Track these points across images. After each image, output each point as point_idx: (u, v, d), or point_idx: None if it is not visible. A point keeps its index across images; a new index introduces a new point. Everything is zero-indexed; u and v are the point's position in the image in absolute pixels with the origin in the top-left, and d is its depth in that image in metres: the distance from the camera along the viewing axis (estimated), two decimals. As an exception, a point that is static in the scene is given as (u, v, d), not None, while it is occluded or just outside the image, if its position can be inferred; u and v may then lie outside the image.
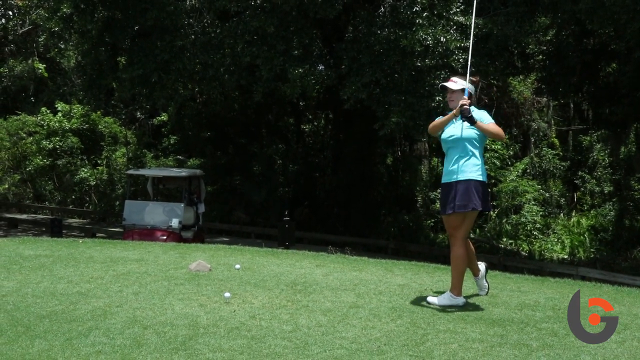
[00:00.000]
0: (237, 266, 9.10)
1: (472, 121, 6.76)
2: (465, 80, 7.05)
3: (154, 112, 38.26)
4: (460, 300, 7.03)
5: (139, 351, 5.27)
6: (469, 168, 6.90)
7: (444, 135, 7.10)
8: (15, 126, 38.51)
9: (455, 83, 7.09)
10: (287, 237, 22.31)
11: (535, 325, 6.46)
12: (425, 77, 20.44)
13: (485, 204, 7.01)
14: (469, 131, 6.92)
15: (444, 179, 7.08)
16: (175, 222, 19.66)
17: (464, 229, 7.02)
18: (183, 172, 22.01)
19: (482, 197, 6.90)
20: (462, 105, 6.77)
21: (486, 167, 25.37)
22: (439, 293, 7.54)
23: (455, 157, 6.97)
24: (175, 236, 19.22)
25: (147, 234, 19.09)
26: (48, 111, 38.27)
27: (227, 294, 7.16)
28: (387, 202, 32.13)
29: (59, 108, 38.20)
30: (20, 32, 39.85)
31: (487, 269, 7.74)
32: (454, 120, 7.01)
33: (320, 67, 24.07)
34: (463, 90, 6.96)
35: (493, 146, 29.22)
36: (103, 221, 34.62)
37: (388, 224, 30.79)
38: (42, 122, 38.12)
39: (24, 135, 38.46)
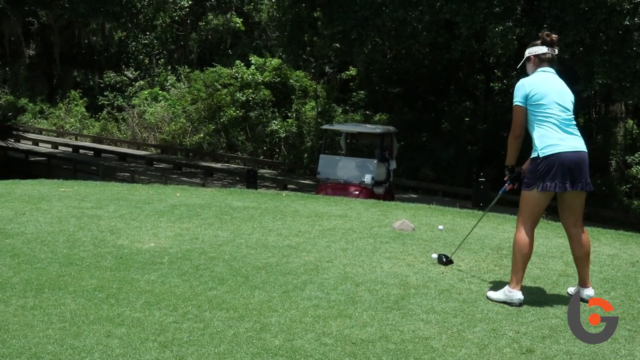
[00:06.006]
0: (440, 227, 9.09)
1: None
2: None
3: (342, 67, 38.60)
4: (515, 295, 5.79)
5: (354, 307, 5.41)
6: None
7: None
8: (211, 78, 40.06)
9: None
10: (481, 197, 21.95)
11: None
12: (634, 37, 19.39)
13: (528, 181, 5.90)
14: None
15: None
16: (368, 178, 19.78)
17: (519, 211, 5.98)
18: (377, 129, 21.85)
19: (529, 175, 5.94)
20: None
21: None
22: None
23: None
24: (368, 192, 19.22)
25: (340, 188, 19.33)
26: (242, 64, 39.46)
27: (434, 255, 7.21)
28: (578, 165, 30.96)
29: (252, 61, 39.32)
30: (221, -14, 41.19)
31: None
32: None
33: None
34: (528, 58, 6.30)
35: None
36: (292, 172, 35.44)
37: (579, 187, 29.70)
38: (237, 75, 39.39)
39: (219, 87, 39.89)
